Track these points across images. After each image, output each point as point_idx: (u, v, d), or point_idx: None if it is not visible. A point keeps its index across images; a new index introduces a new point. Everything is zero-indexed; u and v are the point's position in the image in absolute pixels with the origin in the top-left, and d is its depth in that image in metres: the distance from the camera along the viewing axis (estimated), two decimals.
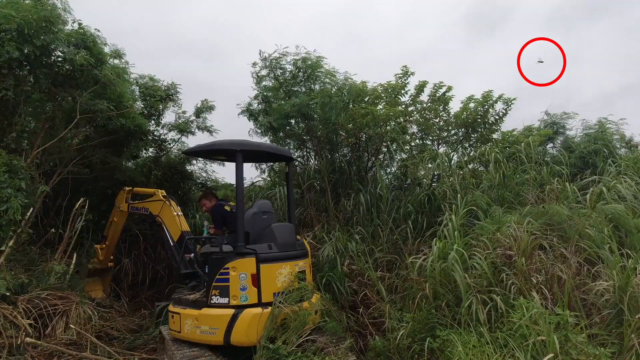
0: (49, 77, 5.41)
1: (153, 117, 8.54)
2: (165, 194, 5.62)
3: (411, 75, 7.38)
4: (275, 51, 6.94)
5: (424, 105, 7.84)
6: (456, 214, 4.35)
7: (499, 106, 7.31)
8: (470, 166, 7.02)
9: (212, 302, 3.96)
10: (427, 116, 7.87)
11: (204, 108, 8.99)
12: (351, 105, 6.61)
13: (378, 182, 6.01)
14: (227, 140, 4.55)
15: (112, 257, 6.74)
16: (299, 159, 7.90)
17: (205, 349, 3.93)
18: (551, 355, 2.59)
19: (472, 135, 8.04)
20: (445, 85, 7.33)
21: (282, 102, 6.86)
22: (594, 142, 7.26)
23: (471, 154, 7.54)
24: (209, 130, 9.01)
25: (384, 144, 7.18)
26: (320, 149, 7.06)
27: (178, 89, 8.69)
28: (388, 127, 6.61)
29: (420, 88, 7.65)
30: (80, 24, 5.72)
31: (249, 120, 8.05)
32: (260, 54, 7.13)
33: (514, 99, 7.17)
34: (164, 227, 5.34)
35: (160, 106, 8.34)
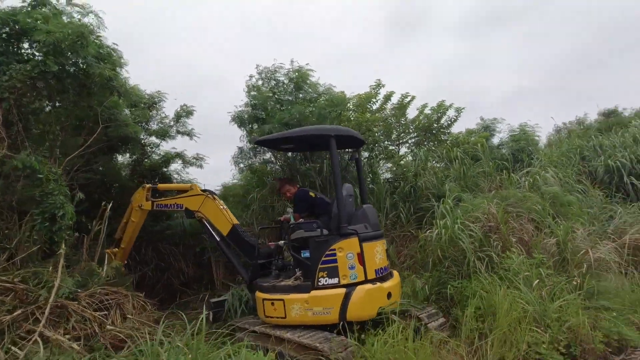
0: (74, 87, 5.68)
1: (140, 124, 8.78)
2: (202, 188, 5.78)
3: (382, 87, 8.85)
4: (272, 65, 7.88)
5: (389, 112, 9.34)
6: (446, 199, 5.78)
7: (451, 113, 9.09)
8: (430, 163, 8.64)
9: (319, 284, 4.11)
10: (390, 121, 9.37)
11: (184, 113, 9.40)
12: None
13: (375, 176, 7.26)
14: (319, 126, 4.76)
15: (126, 262, 6.68)
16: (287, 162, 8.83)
17: (314, 329, 4.03)
18: (537, 281, 4.09)
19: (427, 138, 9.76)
20: (410, 96, 8.90)
21: (280, 111, 7.74)
22: (518, 142, 9.36)
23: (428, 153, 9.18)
24: (189, 134, 9.45)
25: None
26: (310, 154, 8.10)
27: (164, 97, 9.03)
28: (374, 130, 7.92)
29: (388, 97, 9.13)
30: (98, 36, 6.02)
31: (239, 127, 8.77)
32: (256, 67, 8.04)
33: (463, 108, 8.99)
34: (206, 222, 5.52)
35: (149, 114, 8.64)
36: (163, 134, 9.30)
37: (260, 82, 8.22)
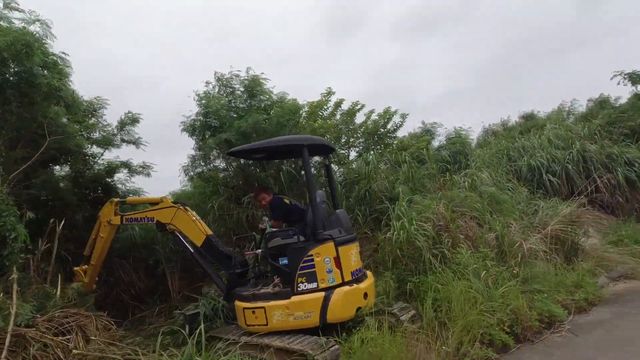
0: (16, 98, 5.31)
1: (81, 133, 8.27)
2: (173, 200, 5.68)
3: (333, 94, 9.27)
4: (229, 72, 8.00)
5: (339, 117, 9.78)
6: (400, 202, 6.28)
7: (397, 118, 9.77)
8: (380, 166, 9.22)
9: (299, 289, 4.23)
10: (340, 127, 9.82)
11: (129, 120, 8.90)
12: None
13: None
14: (292, 136, 4.88)
15: (97, 279, 6.45)
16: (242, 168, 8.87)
17: (301, 334, 4.12)
18: (484, 272, 4.71)
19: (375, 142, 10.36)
20: (360, 104, 9.42)
21: (236, 120, 7.79)
22: (455, 144, 10.30)
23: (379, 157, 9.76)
24: (134, 142, 8.97)
25: None
26: (267, 161, 8.26)
27: (105, 104, 8.55)
28: (327, 136, 8.27)
29: (338, 104, 9.57)
30: (43, 43, 5.66)
31: (191, 136, 8.63)
32: (215, 74, 8.07)
33: (407, 114, 9.71)
34: (179, 234, 5.45)
35: (90, 122, 8.16)
36: (106, 143, 8.84)
37: (216, 90, 8.19)
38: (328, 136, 9.04)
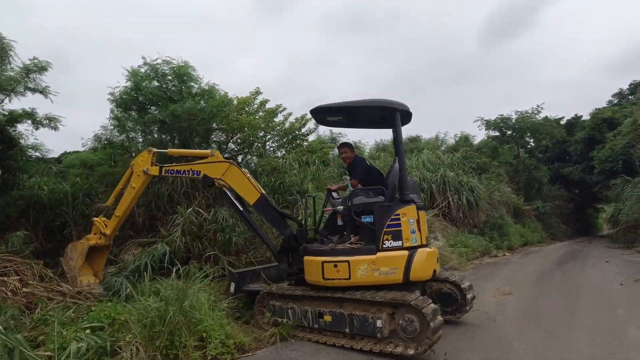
0: None
1: None
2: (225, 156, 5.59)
3: (260, 94, 10.47)
4: (157, 58, 8.59)
5: (261, 115, 11.00)
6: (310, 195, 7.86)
7: (311, 125, 11.38)
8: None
9: (384, 246, 4.27)
10: (261, 124, 11.06)
11: (35, 68, 8.30)
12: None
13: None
14: (384, 99, 4.73)
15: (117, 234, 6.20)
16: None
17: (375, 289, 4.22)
18: None
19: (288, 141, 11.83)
20: (282, 106, 10.77)
21: (171, 102, 8.41)
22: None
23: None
24: (42, 92, 8.49)
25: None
26: (200, 143, 9.09)
27: (9, 45, 7.77)
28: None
29: (263, 103, 10.78)
30: None
31: (117, 108, 8.87)
32: (143, 59, 8.61)
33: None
34: (228, 191, 5.34)
35: None
36: (9, 90, 8.31)
37: (148, 71, 8.63)
38: (247, 130, 10.14)
